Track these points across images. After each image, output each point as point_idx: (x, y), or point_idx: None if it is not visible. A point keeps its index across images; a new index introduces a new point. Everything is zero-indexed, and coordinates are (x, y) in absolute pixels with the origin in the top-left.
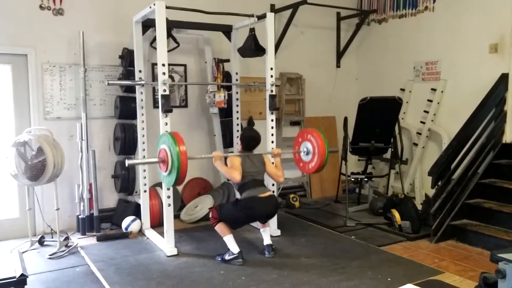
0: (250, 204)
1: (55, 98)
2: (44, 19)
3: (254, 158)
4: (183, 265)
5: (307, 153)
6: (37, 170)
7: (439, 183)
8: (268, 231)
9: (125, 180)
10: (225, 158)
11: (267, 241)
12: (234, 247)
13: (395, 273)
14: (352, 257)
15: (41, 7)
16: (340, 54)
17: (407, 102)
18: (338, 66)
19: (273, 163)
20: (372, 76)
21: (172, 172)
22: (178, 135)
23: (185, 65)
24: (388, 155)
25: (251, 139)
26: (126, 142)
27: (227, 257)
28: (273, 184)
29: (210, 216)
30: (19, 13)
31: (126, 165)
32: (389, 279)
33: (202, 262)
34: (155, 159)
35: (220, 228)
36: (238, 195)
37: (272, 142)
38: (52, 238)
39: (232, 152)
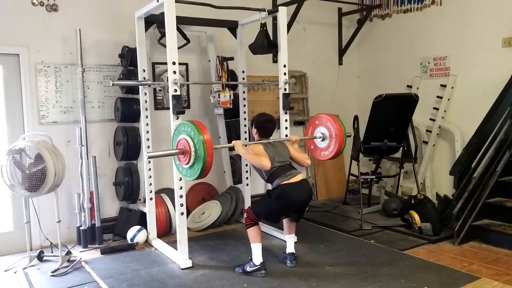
0: (284, 193)
1: (51, 101)
2: (37, 16)
3: (275, 144)
4: (201, 278)
5: (323, 139)
6: (36, 179)
7: (462, 183)
8: (293, 239)
9: (128, 187)
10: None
11: (290, 249)
12: (257, 257)
13: (429, 280)
14: (379, 263)
15: (33, 3)
16: (342, 51)
17: None
18: (340, 63)
19: None
20: (375, 74)
21: (196, 163)
22: (200, 123)
23: (186, 64)
24: (398, 154)
25: (267, 122)
26: (129, 147)
27: (248, 268)
28: None
29: (245, 216)
30: (10, 10)
31: (146, 158)
32: (425, 287)
33: (221, 274)
34: (175, 150)
35: (253, 232)
36: (269, 186)
37: None
38: (52, 252)
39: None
